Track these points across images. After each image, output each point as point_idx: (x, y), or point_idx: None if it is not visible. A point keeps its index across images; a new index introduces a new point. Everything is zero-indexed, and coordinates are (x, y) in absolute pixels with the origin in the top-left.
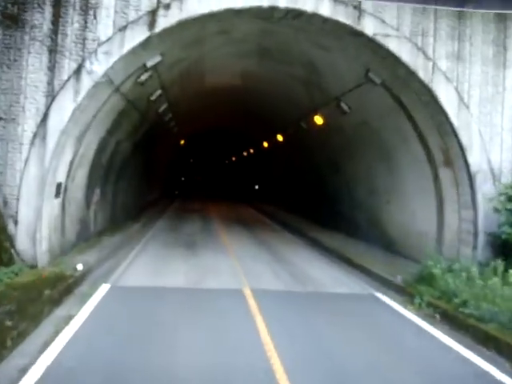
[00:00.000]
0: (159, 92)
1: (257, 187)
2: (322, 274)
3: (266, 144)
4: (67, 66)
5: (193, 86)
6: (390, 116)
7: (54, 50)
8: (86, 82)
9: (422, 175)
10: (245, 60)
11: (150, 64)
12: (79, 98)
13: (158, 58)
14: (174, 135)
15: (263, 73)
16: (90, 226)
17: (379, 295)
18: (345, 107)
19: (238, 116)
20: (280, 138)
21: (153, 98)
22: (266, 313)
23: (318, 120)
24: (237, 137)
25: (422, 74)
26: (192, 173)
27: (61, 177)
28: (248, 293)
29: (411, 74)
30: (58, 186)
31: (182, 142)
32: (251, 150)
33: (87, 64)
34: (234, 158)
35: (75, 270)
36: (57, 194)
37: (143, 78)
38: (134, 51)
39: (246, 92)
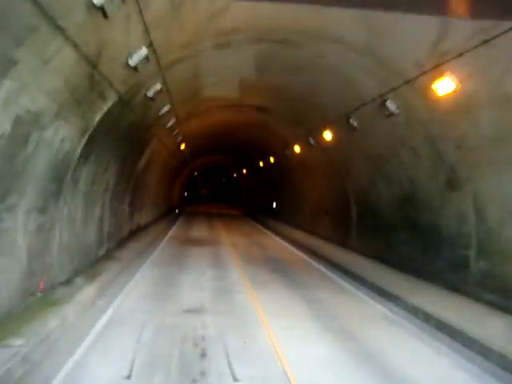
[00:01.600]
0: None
1: (275, 205)
2: None
3: (297, 149)
4: None
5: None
6: None
7: None
8: None
9: None
10: None
11: None
12: None
13: None
14: (172, 133)
15: None
16: None
17: None
18: None
19: (257, 103)
20: (328, 135)
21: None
22: None
23: (446, 87)
24: (253, 138)
25: None
26: (196, 186)
27: None
28: None
29: None
30: None
31: (183, 146)
32: (271, 159)
33: None
34: (244, 171)
35: None
36: None
37: None
38: None
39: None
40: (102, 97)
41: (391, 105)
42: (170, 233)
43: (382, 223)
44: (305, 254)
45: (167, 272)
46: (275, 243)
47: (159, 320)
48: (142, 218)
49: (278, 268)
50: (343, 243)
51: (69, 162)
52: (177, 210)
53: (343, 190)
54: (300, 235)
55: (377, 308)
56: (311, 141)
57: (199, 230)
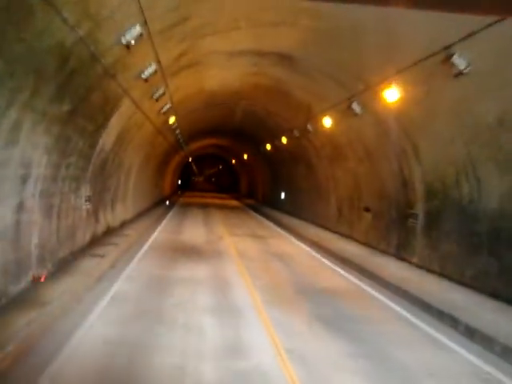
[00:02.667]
0: None
1: (283, 196)
2: None
3: (327, 121)
4: None
5: None
6: None
7: None
8: None
9: None
10: None
11: None
12: None
13: None
14: (155, 93)
15: None
16: None
17: None
18: None
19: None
20: (392, 95)
21: None
22: None
23: None
24: (261, 113)
25: None
26: (191, 174)
27: None
28: None
29: None
30: None
31: (173, 119)
32: (283, 139)
33: None
34: (245, 156)
35: None
36: None
37: None
38: None
39: None
40: None
41: None
42: (154, 236)
43: (485, 232)
44: (355, 276)
45: (133, 335)
46: (300, 253)
47: None
48: (116, 215)
49: (330, 315)
50: (398, 254)
51: None
52: (167, 202)
53: (401, 177)
54: (330, 240)
55: None
56: (355, 107)
57: (194, 232)
